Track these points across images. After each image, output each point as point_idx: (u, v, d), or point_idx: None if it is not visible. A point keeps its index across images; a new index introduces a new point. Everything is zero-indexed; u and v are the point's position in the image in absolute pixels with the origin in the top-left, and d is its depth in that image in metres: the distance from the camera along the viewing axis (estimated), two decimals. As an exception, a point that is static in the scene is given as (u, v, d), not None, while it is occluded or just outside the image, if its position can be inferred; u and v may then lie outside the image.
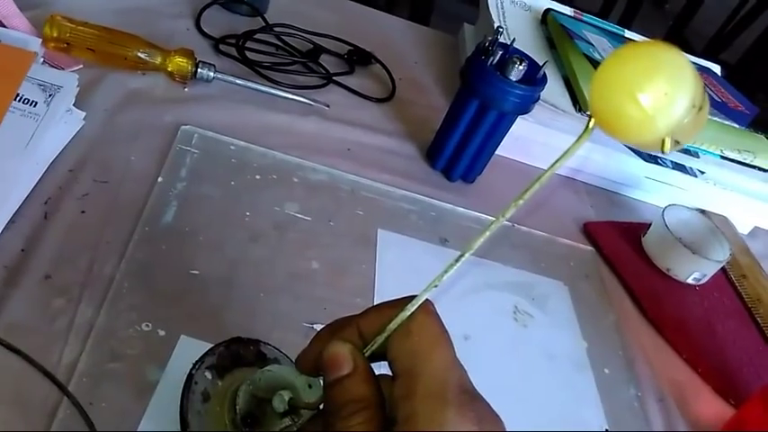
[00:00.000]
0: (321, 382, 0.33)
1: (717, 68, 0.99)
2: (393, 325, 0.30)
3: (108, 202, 0.51)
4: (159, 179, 0.54)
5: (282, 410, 0.33)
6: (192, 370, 0.36)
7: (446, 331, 0.30)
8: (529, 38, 0.88)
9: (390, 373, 0.30)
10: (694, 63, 0.95)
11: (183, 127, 0.59)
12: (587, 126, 0.28)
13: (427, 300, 0.30)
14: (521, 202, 0.31)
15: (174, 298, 0.46)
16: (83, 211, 0.49)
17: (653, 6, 3.50)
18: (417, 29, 0.97)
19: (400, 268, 0.57)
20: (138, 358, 0.42)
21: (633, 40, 0.93)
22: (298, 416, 0.34)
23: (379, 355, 0.31)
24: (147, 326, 0.43)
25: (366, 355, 0.31)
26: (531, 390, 0.52)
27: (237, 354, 0.38)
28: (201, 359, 0.37)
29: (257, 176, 0.58)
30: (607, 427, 0.51)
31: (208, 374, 0.36)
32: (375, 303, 0.52)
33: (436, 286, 0.30)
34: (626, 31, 0.95)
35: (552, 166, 0.30)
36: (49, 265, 0.44)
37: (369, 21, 0.92)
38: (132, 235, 0.48)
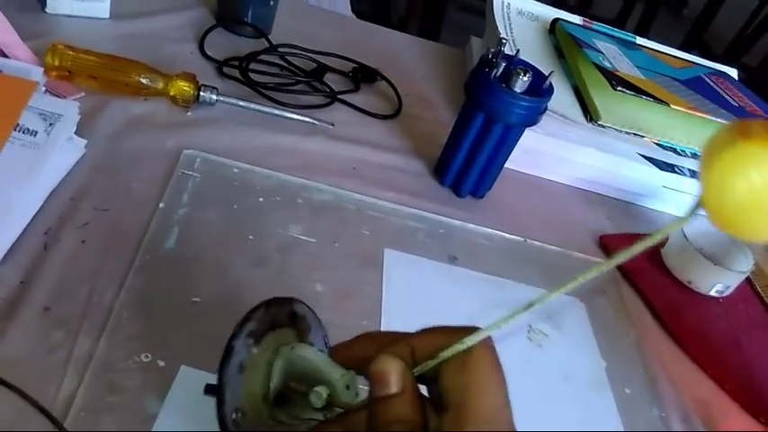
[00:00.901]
0: (355, 380, 0.33)
1: (733, 72, 0.96)
2: (447, 353, 0.30)
3: (109, 230, 0.50)
4: (161, 205, 0.53)
5: (319, 407, 0.33)
6: (231, 340, 0.33)
7: (501, 370, 0.30)
8: (536, 48, 0.87)
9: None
10: (710, 67, 0.93)
11: (185, 151, 0.59)
12: (693, 210, 0.27)
13: (489, 337, 0.30)
14: (604, 268, 0.29)
15: (175, 327, 0.45)
16: (83, 241, 0.48)
17: (670, 12, 3.47)
18: (424, 44, 0.96)
19: (408, 288, 0.56)
20: (137, 390, 0.41)
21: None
22: (330, 412, 0.33)
23: (424, 378, 0.31)
24: (147, 357, 0.42)
25: (414, 375, 0.31)
26: (547, 412, 0.50)
27: (274, 316, 0.36)
28: (241, 326, 0.34)
29: (260, 199, 0.58)
30: (628, 450, 0.49)
31: (247, 342, 0.34)
32: (382, 325, 0.52)
33: (499, 327, 0.30)
34: (637, 38, 0.94)
35: (644, 241, 0.28)
36: (48, 297, 0.44)
37: (374, 38, 0.92)
38: (133, 263, 0.48)
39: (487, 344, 0.30)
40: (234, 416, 0.33)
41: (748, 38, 2.85)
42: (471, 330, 0.30)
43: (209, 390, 0.36)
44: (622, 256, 0.29)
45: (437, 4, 1.84)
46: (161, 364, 0.42)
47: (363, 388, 0.34)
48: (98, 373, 0.40)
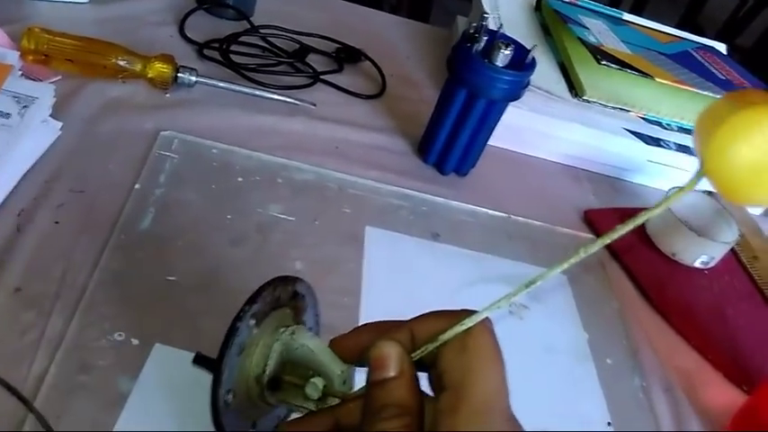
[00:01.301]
0: (353, 375, 0.33)
1: (722, 47, 0.95)
2: (447, 336, 0.30)
3: (83, 211, 0.50)
4: (137, 186, 0.53)
5: (316, 398, 0.33)
6: (236, 321, 0.32)
7: (500, 352, 0.29)
8: (522, 25, 0.86)
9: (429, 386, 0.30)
10: (698, 42, 0.92)
11: (162, 132, 0.58)
12: (695, 178, 0.27)
13: (488, 318, 0.30)
14: (624, 230, 0.29)
15: (150, 306, 0.45)
16: (57, 222, 0.48)
17: (665, -7, 3.44)
18: (409, 24, 0.96)
19: (389, 265, 0.55)
20: (110, 369, 0.40)
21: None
22: (323, 402, 0.33)
23: (423, 365, 0.31)
24: (120, 335, 0.42)
25: (414, 359, 0.31)
26: (528, 385, 0.50)
27: (278, 296, 0.35)
28: (248, 307, 0.33)
29: (240, 179, 0.57)
30: (609, 420, 0.49)
31: (249, 323, 0.33)
32: (363, 302, 0.51)
33: (500, 307, 0.30)
34: (624, 13, 0.93)
35: (651, 210, 0.28)
36: (19, 278, 0.43)
37: (359, 18, 0.91)
38: (107, 243, 0.47)
39: (486, 326, 0.30)
40: (226, 397, 0.32)
41: (741, 19, 2.84)
42: (470, 313, 0.29)
43: (198, 360, 0.35)
44: (627, 227, 0.29)
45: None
46: (135, 342, 0.42)
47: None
48: (70, 352, 0.40)
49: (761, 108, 0.24)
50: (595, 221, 0.69)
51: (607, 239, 0.29)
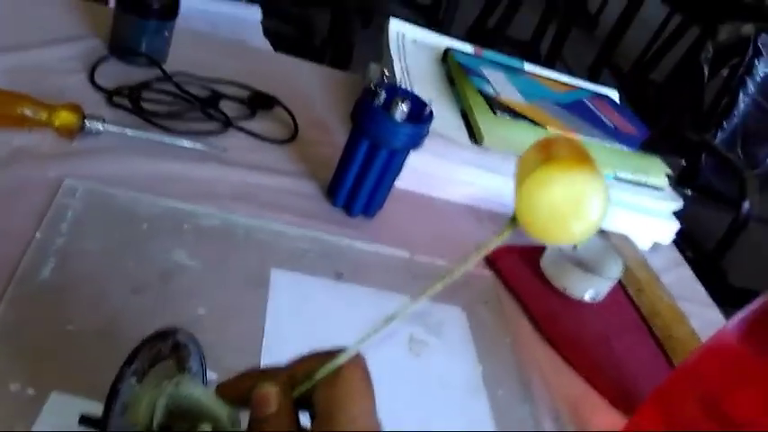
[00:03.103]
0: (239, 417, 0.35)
1: (614, 94, 1.03)
2: (321, 374, 0.32)
3: (-19, 262, 0.50)
4: (37, 235, 0.53)
5: None
6: (116, 383, 0.33)
7: (370, 385, 0.32)
8: (429, 75, 0.91)
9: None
10: (592, 91, 0.99)
11: (65, 181, 0.59)
12: (510, 225, 0.31)
13: (359, 354, 0.33)
14: (438, 285, 0.34)
15: (48, 355, 0.45)
16: (-48, 274, 0.48)
17: (582, 33, 3.64)
18: (323, 70, 0.99)
19: (293, 307, 0.57)
20: (4, 420, 0.41)
21: (537, 77, 0.97)
22: None
23: (307, 405, 0.33)
24: (16, 386, 0.43)
25: (294, 397, 0.33)
26: (422, 419, 0.53)
27: (158, 351, 0.36)
28: (127, 367, 0.34)
29: (144, 226, 0.58)
30: (499, 450, 0.52)
31: (131, 381, 0.34)
32: (264, 344, 0.53)
33: (363, 343, 0.32)
34: (525, 63, 0.99)
35: (479, 251, 0.33)
36: None
37: (272, 65, 0.94)
38: (3, 295, 0.48)
39: (357, 361, 0.33)
40: None
41: (654, 56, 3.04)
42: (342, 350, 0.32)
43: (84, 421, 0.36)
44: (465, 265, 0.33)
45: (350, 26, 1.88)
46: (30, 392, 0.43)
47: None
48: (-38, 404, 0.40)
49: (560, 163, 0.28)
50: (495, 260, 0.73)
51: (454, 274, 0.33)
